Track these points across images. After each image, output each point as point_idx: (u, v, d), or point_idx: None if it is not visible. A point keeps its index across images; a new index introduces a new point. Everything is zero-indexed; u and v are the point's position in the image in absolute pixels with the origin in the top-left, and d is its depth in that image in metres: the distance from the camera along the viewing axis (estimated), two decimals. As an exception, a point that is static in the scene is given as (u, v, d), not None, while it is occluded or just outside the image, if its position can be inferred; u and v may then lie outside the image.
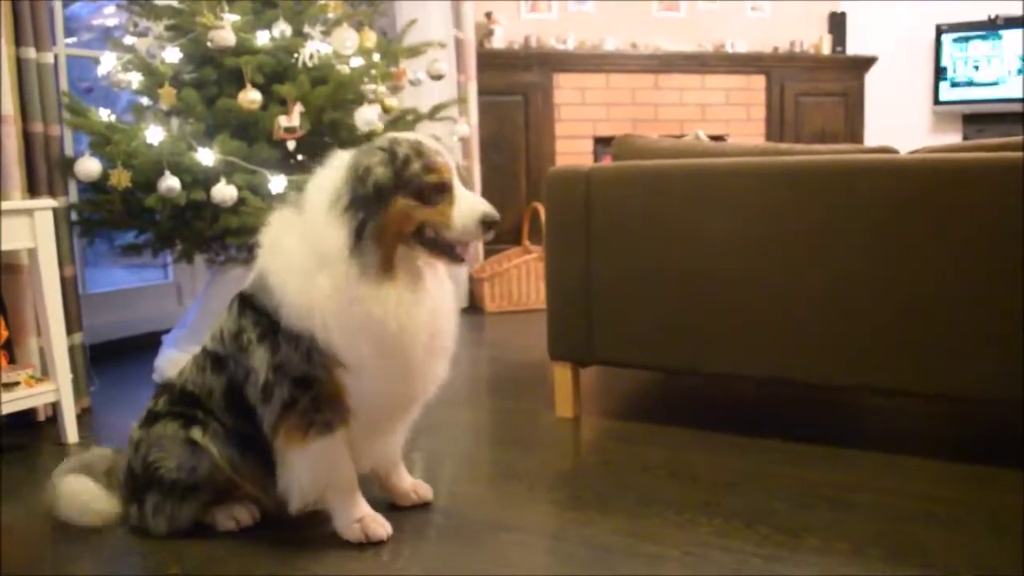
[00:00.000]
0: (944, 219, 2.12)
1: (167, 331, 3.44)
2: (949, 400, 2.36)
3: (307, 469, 1.76)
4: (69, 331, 2.77)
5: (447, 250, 1.72)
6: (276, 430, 1.75)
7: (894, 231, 2.17)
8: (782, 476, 2.18)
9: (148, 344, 3.64)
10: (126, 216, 3.00)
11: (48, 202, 2.62)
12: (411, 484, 2.04)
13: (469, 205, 1.68)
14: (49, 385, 2.60)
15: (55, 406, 2.64)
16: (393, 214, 1.65)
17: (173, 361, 3.15)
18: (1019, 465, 2.19)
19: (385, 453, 1.97)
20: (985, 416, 2.66)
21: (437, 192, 1.67)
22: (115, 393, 3.16)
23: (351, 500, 1.84)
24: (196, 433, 1.82)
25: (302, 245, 1.70)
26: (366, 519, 1.83)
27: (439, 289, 1.80)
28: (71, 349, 2.78)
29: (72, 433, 2.61)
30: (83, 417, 2.83)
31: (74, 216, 3.01)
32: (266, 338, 1.73)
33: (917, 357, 2.18)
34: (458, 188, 1.70)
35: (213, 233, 2.94)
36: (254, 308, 1.77)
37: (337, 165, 1.73)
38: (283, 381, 1.71)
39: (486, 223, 1.67)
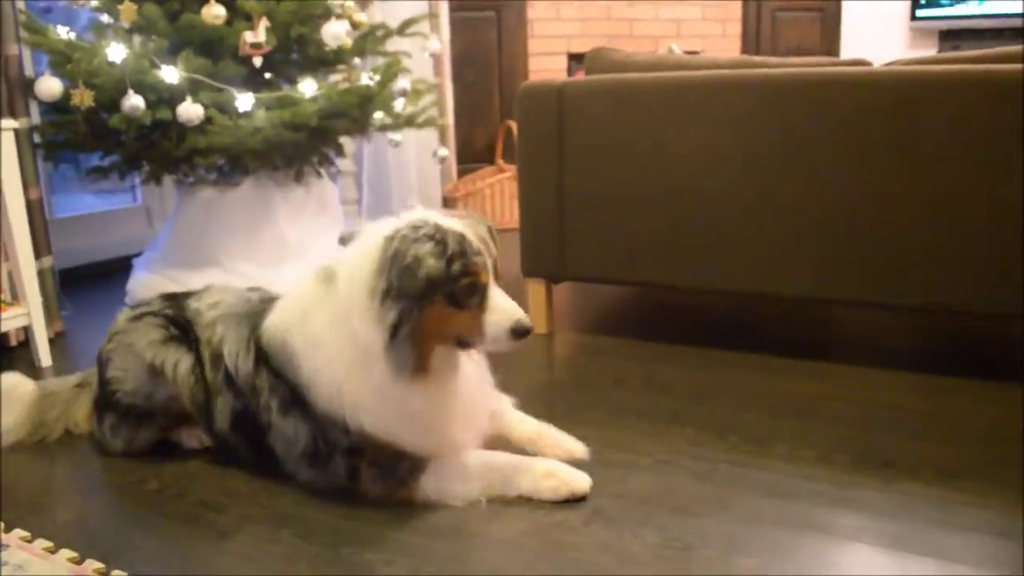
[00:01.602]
0: (916, 130, 2.12)
1: (138, 255, 3.41)
2: (920, 312, 2.39)
3: (452, 487, 1.66)
4: (37, 255, 2.73)
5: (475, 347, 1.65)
6: (368, 493, 1.66)
7: (867, 143, 2.17)
8: (753, 387, 2.22)
9: (119, 268, 3.60)
10: (91, 137, 2.94)
11: (9, 123, 2.55)
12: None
13: (501, 315, 1.55)
14: (20, 309, 2.58)
15: (27, 330, 2.63)
16: (433, 314, 1.52)
17: (145, 284, 3.13)
18: (984, 376, 2.24)
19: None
20: (954, 328, 2.71)
21: (472, 295, 1.54)
22: (88, 317, 3.15)
23: (519, 468, 1.69)
24: (170, 355, 1.80)
25: (334, 330, 1.60)
26: (552, 472, 1.68)
27: (471, 379, 1.73)
28: (41, 273, 2.74)
29: (45, 356, 2.61)
30: (56, 341, 2.82)
31: (37, 138, 2.94)
32: (293, 408, 1.66)
33: (888, 269, 2.20)
34: (492, 291, 1.57)
35: (180, 153, 2.89)
36: (272, 371, 1.69)
37: (375, 245, 1.55)
38: (334, 453, 1.64)
39: (517, 332, 1.55)
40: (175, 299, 1.94)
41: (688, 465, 1.78)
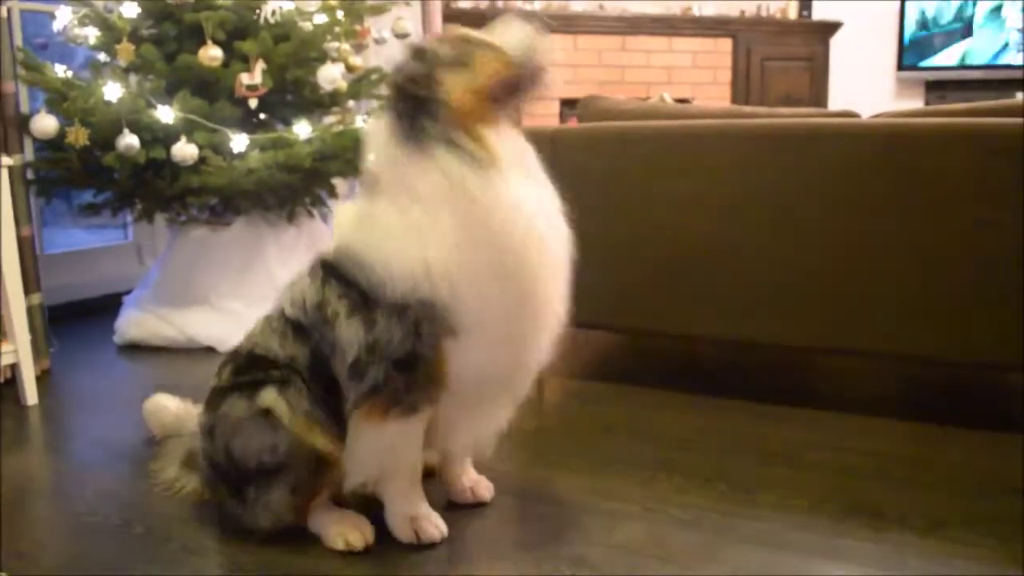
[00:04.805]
0: (903, 183, 2.14)
1: (128, 292, 3.41)
2: (906, 361, 2.40)
3: (375, 448, 1.58)
4: (27, 291, 2.72)
5: (531, 87, 1.54)
6: (357, 405, 1.56)
7: (854, 194, 2.20)
8: (741, 435, 2.22)
9: (109, 305, 3.59)
10: (84, 175, 2.96)
11: (3, 160, 2.56)
12: (471, 481, 1.85)
13: (509, 30, 1.52)
14: (7, 346, 2.56)
15: (14, 367, 2.61)
16: (451, 90, 1.48)
17: (134, 322, 3.13)
18: (970, 425, 2.24)
19: (479, 438, 1.75)
20: (940, 377, 2.72)
21: (476, 50, 1.51)
22: (76, 355, 3.13)
23: (410, 493, 1.66)
24: (268, 396, 1.60)
25: (391, 208, 1.52)
26: (420, 518, 1.66)
27: (540, 177, 1.63)
28: (29, 310, 2.73)
29: (32, 395, 2.58)
30: (43, 379, 2.80)
31: (30, 175, 2.95)
32: (357, 312, 1.54)
33: (875, 318, 2.21)
34: (488, 35, 1.54)
35: (173, 192, 2.91)
36: (340, 279, 1.57)
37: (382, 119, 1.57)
38: (379, 362, 1.52)
39: (535, 22, 1.52)
40: (228, 358, 1.76)
41: (676, 514, 1.77)
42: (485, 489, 1.85)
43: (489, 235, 1.47)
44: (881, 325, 2.21)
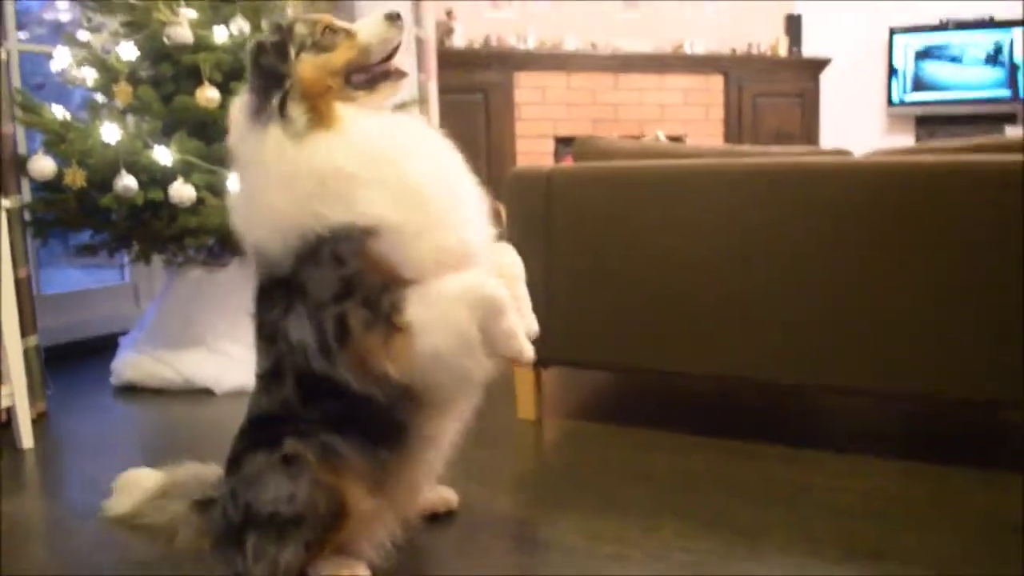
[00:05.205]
0: (898, 221, 2.16)
1: (124, 333, 3.40)
2: (905, 399, 2.40)
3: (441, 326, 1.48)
4: (24, 334, 2.71)
5: (383, 75, 1.62)
6: (360, 349, 1.49)
7: (850, 232, 2.21)
8: (742, 475, 2.22)
9: (105, 346, 3.58)
10: (81, 216, 2.96)
11: (1, 202, 2.57)
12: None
13: (367, 21, 1.61)
14: (4, 389, 2.55)
15: (9, 411, 2.59)
16: (303, 70, 1.55)
17: (131, 363, 3.11)
18: (974, 464, 2.24)
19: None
20: (941, 416, 2.72)
21: (332, 36, 1.59)
22: (72, 397, 3.11)
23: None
24: (289, 446, 1.55)
25: (241, 182, 1.65)
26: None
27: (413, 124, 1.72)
28: (26, 352, 2.72)
29: (28, 438, 2.56)
30: (39, 421, 2.77)
31: (27, 216, 2.95)
32: (288, 299, 1.55)
33: (872, 356, 2.22)
34: (350, 24, 1.63)
35: (171, 233, 2.91)
36: (261, 290, 1.63)
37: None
38: (327, 309, 1.50)
39: (391, 16, 1.59)
40: (239, 433, 1.72)
41: (679, 558, 1.76)
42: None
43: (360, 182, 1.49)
44: (878, 363, 2.21)
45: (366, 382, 1.51)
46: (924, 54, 6.66)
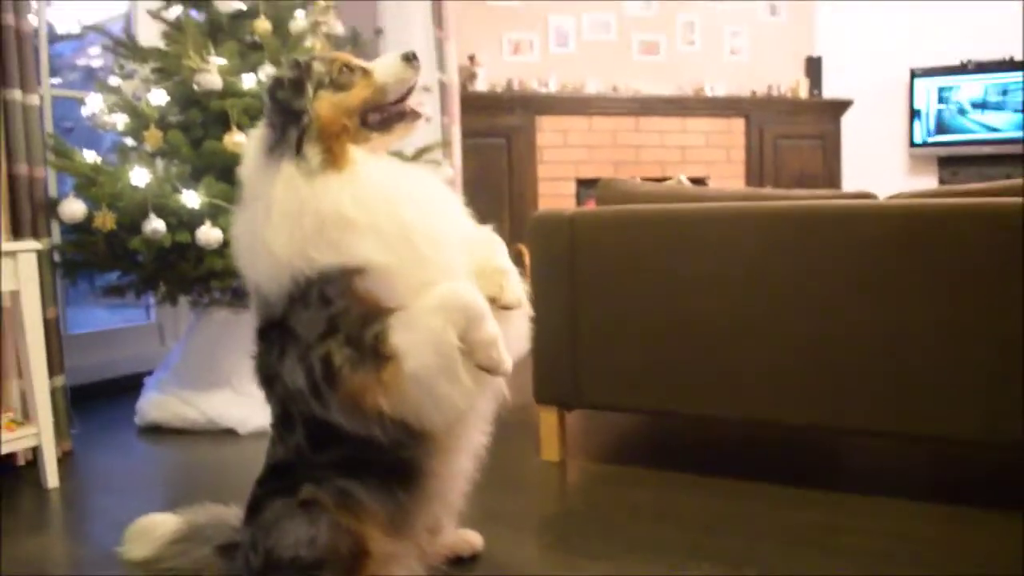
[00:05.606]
0: (921, 264, 2.15)
1: (149, 372, 3.42)
2: (932, 442, 2.37)
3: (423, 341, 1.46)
4: (51, 373, 2.74)
5: (399, 115, 1.64)
6: (345, 386, 1.48)
7: (873, 275, 2.20)
8: (768, 519, 2.19)
9: (130, 386, 3.60)
10: (110, 258, 2.99)
11: (32, 244, 2.61)
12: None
13: (384, 61, 1.64)
14: (30, 429, 2.57)
15: (36, 450, 2.61)
16: (320, 107, 1.57)
17: (156, 403, 3.13)
18: (1000, 506, 2.21)
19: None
20: (967, 458, 2.68)
21: (349, 75, 1.61)
22: (97, 436, 3.13)
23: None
24: (307, 491, 1.56)
25: (249, 217, 1.59)
26: None
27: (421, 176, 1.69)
28: (53, 392, 2.75)
29: (53, 478, 2.58)
30: (64, 461, 2.79)
31: (57, 257, 3.00)
32: (282, 341, 1.55)
33: (899, 399, 2.20)
34: (367, 63, 1.65)
35: (198, 275, 2.94)
36: (260, 332, 1.63)
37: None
38: (309, 352, 1.50)
39: (407, 56, 1.62)
40: (255, 484, 1.71)
41: (705, 602, 1.74)
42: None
43: (323, 218, 1.49)
44: (905, 405, 2.20)
45: (361, 422, 1.50)
46: (946, 94, 6.66)
